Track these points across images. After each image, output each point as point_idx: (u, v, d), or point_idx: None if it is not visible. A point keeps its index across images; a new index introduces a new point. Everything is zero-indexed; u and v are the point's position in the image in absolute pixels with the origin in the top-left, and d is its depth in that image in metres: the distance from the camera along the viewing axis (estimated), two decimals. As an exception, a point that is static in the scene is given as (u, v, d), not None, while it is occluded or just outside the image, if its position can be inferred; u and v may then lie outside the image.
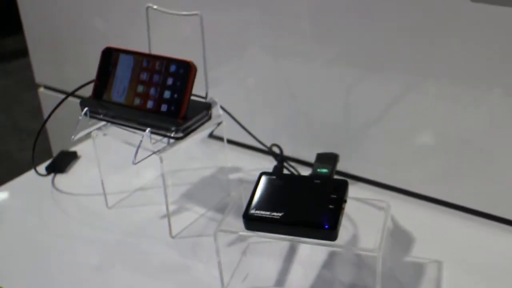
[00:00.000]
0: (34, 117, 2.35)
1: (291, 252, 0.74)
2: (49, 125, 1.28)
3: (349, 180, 0.66)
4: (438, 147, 0.80)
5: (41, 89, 1.27)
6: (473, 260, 0.72)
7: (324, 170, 0.69)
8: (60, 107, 0.85)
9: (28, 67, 1.29)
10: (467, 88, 0.74)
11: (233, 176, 0.89)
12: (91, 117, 0.77)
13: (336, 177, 0.72)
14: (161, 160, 0.73)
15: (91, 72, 0.80)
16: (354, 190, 0.76)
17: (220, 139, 0.86)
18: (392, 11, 0.76)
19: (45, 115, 1.26)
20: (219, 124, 0.79)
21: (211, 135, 0.96)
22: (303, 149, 0.91)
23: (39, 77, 1.26)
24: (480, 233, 0.77)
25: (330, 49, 0.84)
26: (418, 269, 0.70)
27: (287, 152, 0.89)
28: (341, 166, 0.83)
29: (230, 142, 0.94)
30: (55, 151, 0.98)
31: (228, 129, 0.82)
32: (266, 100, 0.94)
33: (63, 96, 0.84)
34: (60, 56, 1.20)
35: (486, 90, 0.73)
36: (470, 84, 0.74)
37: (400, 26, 0.76)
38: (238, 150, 0.97)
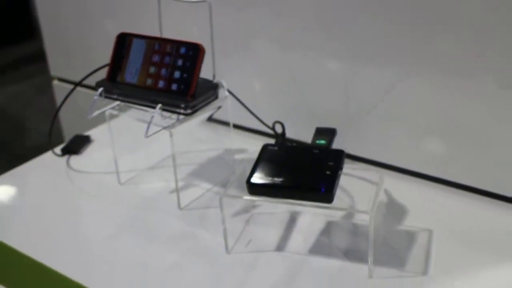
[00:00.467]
0: (45, 120, 2.42)
1: (291, 222, 0.79)
2: (61, 116, 1.35)
3: (348, 160, 0.71)
4: (430, 129, 0.85)
5: (55, 82, 1.33)
6: (461, 229, 0.77)
7: (322, 142, 0.74)
8: (71, 98, 0.91)
9: (38, 73, 1.36)
10: (457, 74, 0.80)
11: (237, 156, 0.94)
12: (105, 97, 0.83)
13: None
14: (171, 135, 0.78)
15: (100, 64, 0.87)
16: (352, 167, 0.82)
17: (226, 123, 0.92)
18: (390, 5, 0.81)
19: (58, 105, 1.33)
20: (219, 107, 0.85)
21: (217, 120, 1.02)
22: (305, 133, 0.96)
23: (53, 70, 1.32)
24: (469, 206, 0.82)
25: (332, 40, 0.90)
26: (410, 236, 0.76)
27: (289, 135, 0.94)
28: (340, 146, 0.88)
29: (235, 126, 0.99)
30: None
31: (233, 114, 0.88)
32: (270, 88, 1.00)
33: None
34: (73, 51, 1.27)
35: (478, 76, 0.78)
36: (460, 71, 0.79)
37: (398, 19, 0.82)
38: (243, 134, 1.03)
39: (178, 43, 0.80)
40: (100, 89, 0.83)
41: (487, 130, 0.81)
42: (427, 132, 0.86)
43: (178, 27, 0.89)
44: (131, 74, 0.83)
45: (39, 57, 1.60)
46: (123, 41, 0.84)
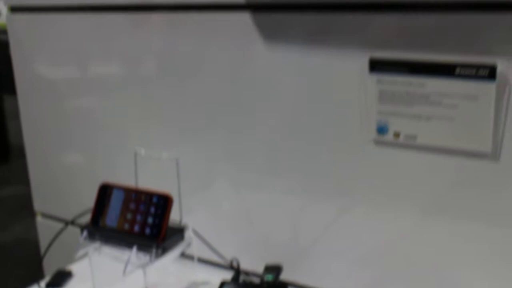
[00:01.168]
0: (24, 246, 2.53)
1: None
2: (42, 248, 1.47)
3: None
4: (365, 258, 1.01)
5: (39, 218, 1.47)
6: None
7: (270, 276, 0.89)
8: (51, 233, 1.06)
9: (14, 199, 1.49)
10: (379, 213, 0.97)
11: None
12: (89, 240, 0.98)
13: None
14: (145, 273, 0.93)
15: (85, 204, 1.02)
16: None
17: (192, 258, 1.06)
18: (322, 156, 1.00)
19: (41, 240, 1.46)
20: (188, 245, 1.00)
21: (185, 255, 1.16)
22: (259, 264, 1.11)
23: (37, 206, 1.47)
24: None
25: (280, 183, 1.07)
26: None
27: (246, 266, 1.09)
28: (290, 275, 1.03)
29: (200, 260, 1.14)
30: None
31: (199, 249, 1.03)
32: (230, 224, 1.16)
33: (57, 223, 1.05)
34: (57, 190, 1.43)
35: (399, 210, 0.96)
36: (381, 210, 0.97)
37: (330, 165, 1.00)
38: (207, 267, 1.17)
39: (151, 194, 0.97)
40: (85, 233, 0.98)
41: (410, 258, 0.97)
42: (362, 261, 1.02)
43: (151, 177, 1.06)
44: (111, 219, 0.98)
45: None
46: (105, 191, 1.00)
